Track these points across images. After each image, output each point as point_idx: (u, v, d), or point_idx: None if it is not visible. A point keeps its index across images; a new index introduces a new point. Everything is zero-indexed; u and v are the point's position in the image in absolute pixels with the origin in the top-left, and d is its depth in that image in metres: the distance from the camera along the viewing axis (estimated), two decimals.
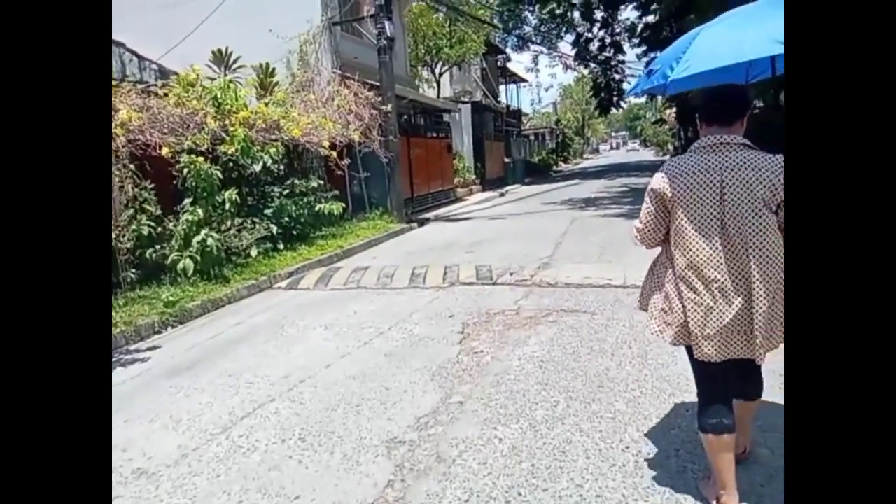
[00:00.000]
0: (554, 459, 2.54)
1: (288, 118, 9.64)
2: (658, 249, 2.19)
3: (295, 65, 12.33)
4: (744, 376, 2.12)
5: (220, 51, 9.99)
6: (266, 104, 10.20)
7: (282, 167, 9.59)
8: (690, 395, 3.02)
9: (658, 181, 2.01)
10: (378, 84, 11.61)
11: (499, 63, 30.79)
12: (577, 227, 9.81)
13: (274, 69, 11.27)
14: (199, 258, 6.55)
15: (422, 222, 12.41)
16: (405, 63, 16.48)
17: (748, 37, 2.15)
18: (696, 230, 1.92)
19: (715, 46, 2.24)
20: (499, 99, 29.43)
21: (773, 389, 2.91)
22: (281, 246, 8.49)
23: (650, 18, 26.48)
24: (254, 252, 7.77)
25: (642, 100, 51.36)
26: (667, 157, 42.56)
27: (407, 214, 12.44)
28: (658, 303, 2.13)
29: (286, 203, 8.85)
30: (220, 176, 7.23)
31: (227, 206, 7.30)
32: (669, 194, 1.97)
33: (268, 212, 8.66)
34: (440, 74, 20.98)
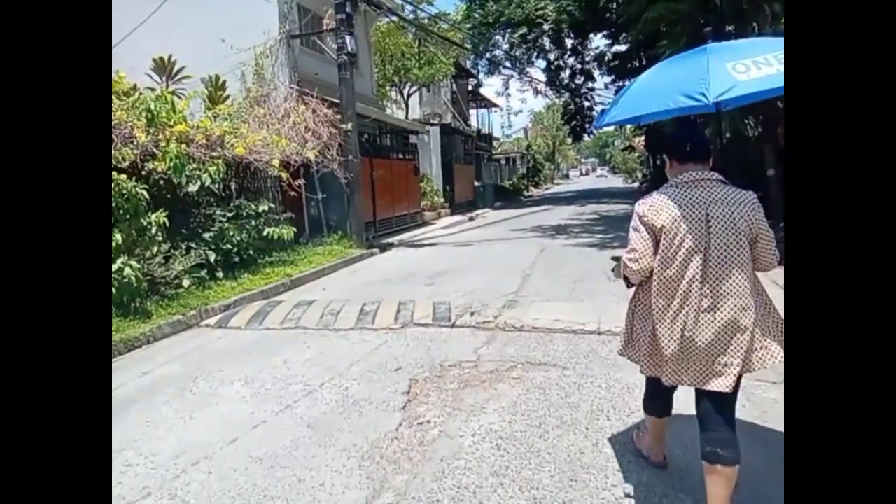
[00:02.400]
0: None
1: (235, 134, 8.85)
2: (631, 291, 2.29)
3: (250, 78, 11.57)
4: (716, 422, 2.05)
5: (161, 59, 9.16)
6: (214, 118, 9.41)
7: (230, 187, 8.77)
8: (689, 495, 2.33)
9: (647, 211, 2.08)
10: (339, 101, 10.92)
11: (469, 87, 30.58)
12: (547, 257, 9.20)
13: (224, 82, 10.51)
14: (114, 290, 5.66)
15: (384, 248, 11.66)
16: (371, 82, 15.89)
17: (661, 90, 2.36)
18: (681, 260, 2.00)
19: (638, 95, 2.51)
20: (469, 122, 29.11)
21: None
22: (220, 274, 7.62)
23: (620, 48, 26.74)
24: (186, 282, 6.88)
25: (612, 128, 52.17)
26: (635, 184, 43.04)
27: (368, 239, 11.67)
28: (637, 333, 2.22)
29: (228, 227, 7.99)
30: (147, 196, 6.37)
31: (154, 230, 6.44)
32: (658, 225, 2.04)
33: (207, 236, 7.79)
34: (408, 96, 20.47)
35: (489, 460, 2.75)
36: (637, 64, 26.20)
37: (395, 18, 16.60)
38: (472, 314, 5.44)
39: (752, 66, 2.11)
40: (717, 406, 2.04)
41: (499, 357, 4.27)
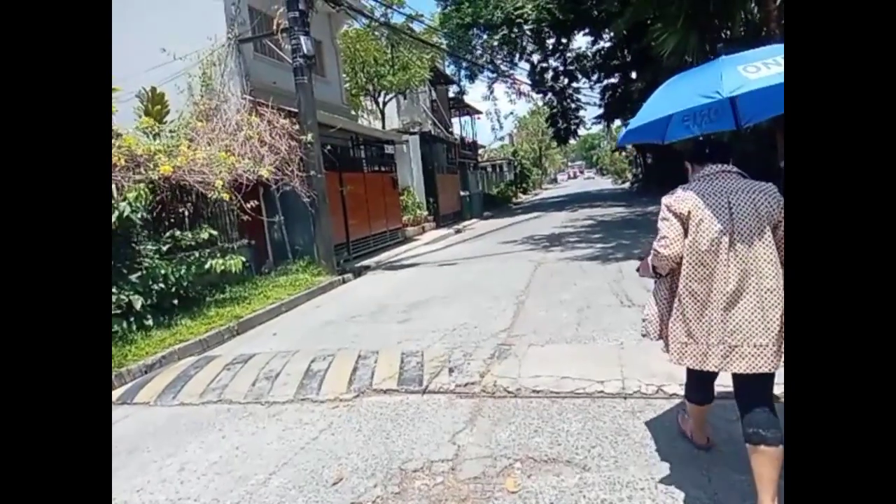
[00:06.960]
0: None
1: (170, 153, 7.54)
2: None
3: (198, 91, 10.28)
4: (755, 404, 2.08)
5: None
6: (150, 135, 8.12)
7: (179, 212, 7.49)
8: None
9: (673, 201, 2.18)
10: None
11: (450, 94, 29.44)
12: (543, 276, 7.91)
13: (163, 95, 9.21)
14: None
15: (358, 272, 10.34)
16: (340, 91, 14.64)
17: (679, 96, 2.42)
18: (707, 246, 2.07)
19: (657, 103, 2.54)
20: (451, 131, 27.92)
21: None
22: (150, 322, 6.27)
23: (604, 45, 25.80)
24: None
25: (597, 129, 51.31)
26: (626, 184, 42.01)
27: (339, 264, 10.36)
28: (672, 326, 2.22)
29: (159, 264, 6.65)
30: None
31: None
32: (685, 211, 2.12)
33: (133, 277, 6.44)
34: (384, 104, 19.23)
35: None
36: (620, 61, 25.28)
37: (362, 19, 15.40)
38: (450, 371, 4.11)
39: (762, 67, 2.19)
40: (756, 388, 2.09)
41: (487, 449, 2.95)
